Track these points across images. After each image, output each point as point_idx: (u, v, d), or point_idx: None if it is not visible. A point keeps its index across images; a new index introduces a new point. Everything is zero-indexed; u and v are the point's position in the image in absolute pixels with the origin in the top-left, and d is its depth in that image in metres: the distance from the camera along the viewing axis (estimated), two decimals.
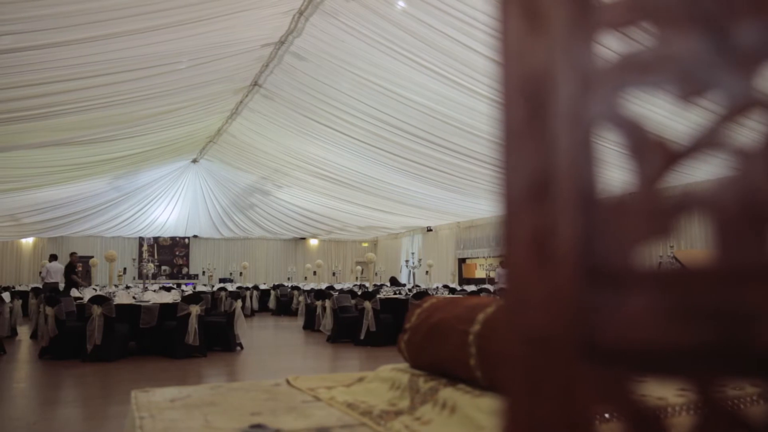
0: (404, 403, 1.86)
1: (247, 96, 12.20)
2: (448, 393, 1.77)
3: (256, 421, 1.79)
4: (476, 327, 1.74)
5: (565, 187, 0.31)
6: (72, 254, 14.44)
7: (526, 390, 0.31)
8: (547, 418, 0.30)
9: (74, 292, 10.57)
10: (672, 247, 8.79)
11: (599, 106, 0.31)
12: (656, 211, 0.29)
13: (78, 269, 14.16)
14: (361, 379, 2.23)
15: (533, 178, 0.32)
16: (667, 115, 6.61)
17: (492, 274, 16.81)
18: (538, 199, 0.32)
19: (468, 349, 1.73)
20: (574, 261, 0.30)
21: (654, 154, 0.30)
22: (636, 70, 0.31)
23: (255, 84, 11.50)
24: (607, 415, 0.31)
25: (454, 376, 1.84)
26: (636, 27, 0.31)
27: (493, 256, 18.29)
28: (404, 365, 2.14)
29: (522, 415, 0.31)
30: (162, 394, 2.14)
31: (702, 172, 5.32)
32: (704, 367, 0.27)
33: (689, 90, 0.30)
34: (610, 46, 0.33)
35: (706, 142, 0.28)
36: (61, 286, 13.40)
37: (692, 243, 9.63)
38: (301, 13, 8.51)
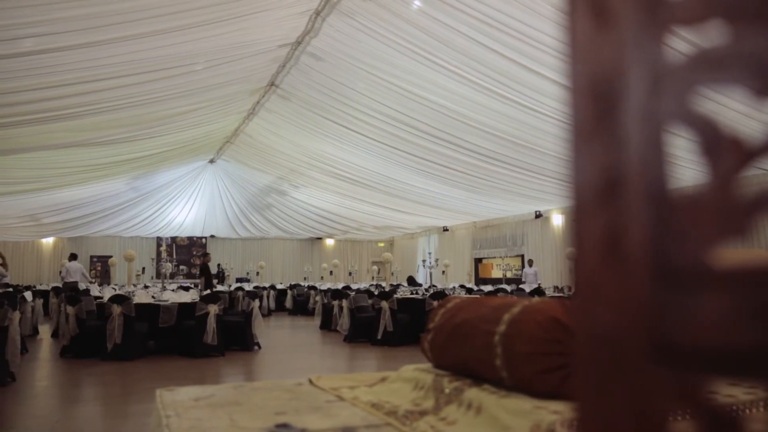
0: (429, 404, 1.86)
1: (263, 96, 12.25)
2: (473, 393, 1.76)
3: (281, 420, 1.80)
4: (502, 327, 1.73)
5: (636, 186, 0.31)
6: (205, 255, 14.74)
7: (598, 391, 0.30)
8: (619, 419, 0.29)
9: (94, 291, 10.68)
10: None
11: (671, 104, 0.31)
12: (731, 209, 0.29)
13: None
14: (384, 379, 2.23)
15: (604, 177, 0.32)
16: (742, 111, 6.57)
17: (509, 275, 16.75)
18: (609, 198, 0.31)
19: (494, 349, 1.72)
20: (646, 261, 0.30)
21: (728, 151, 0.29)
22: (709, 67, 0.30)
23: (272, 84, 11.55)
24: (679, 416, 0.31)
25: (479, 377, 1.83)
26: (708, 23, 0.31)
27: (509, 256, 18.22)
28: (427, 365, 2.13)
29: (593, 416, 0.30)
30: (186, 393, 2.16)
31: None
32: None
33: (764, 86, 0.29)
34: (682, 42, 0.32)
35: None
36: (81, 285, 13.53)
37: None
38: (317, 13, 8.53)
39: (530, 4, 6.69)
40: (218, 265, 21.52)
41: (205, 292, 10.00)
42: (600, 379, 0.30)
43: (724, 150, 0.29)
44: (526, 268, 15.97)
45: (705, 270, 0.29)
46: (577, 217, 0.34)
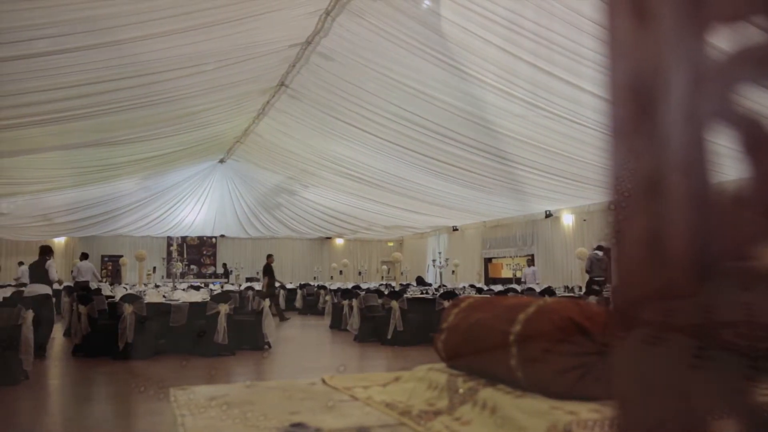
0: (443, 403, 1.85)
1: (273, 96, 12.27)
2: (487, 393, 1.76)
3: (296, 420, 1.80)
4: (517, 327, 1.72)
5: (677, 184, 0.30)
6: (269, 256, 14.90)
7: (640, 390, 0.30)
8: (663, 418, 0.29)
9: (106, 291, 10.73)
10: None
11: (712, 103, 0.31)
12: None
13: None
14: (397, 379, 2.22)
15: (644, 176, 0.31)
16: None
17: (518, 274, 16.70)
18: (650, 197, 0.31)
19: (509, 349, 1.71)
20: (688, 258, 0.30)
21: None
22: (750, 65, 0.30)
23: (282, 84, 11.56)
24: (722, 414, 0.31)
25: (494, 377, 1.82)
26: (749, 21, 0.30)
27: (519, 256, 18.17)
28: (441, 365, 2.12)
29: (637, 416, 0.30)
30: (200, 392, 2.16)
31: None
32: None
33: None
34: (723, 40, 0.32)
35: None
36: (92, 284, 13.60)
37: None
38: (327, 13, 8.53)
39: (541, 4, 6.66)
40: (224, 264, 21.62)
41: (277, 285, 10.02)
42: (642, 377, 0.30)
43: (767, 148, 0.29)
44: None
45: (748, 268, 0.28)
46: (618, 216, 0.34)
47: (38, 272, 8.67)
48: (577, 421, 1.52)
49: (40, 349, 8.03)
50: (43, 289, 8.60)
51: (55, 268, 9.20)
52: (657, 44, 0.32)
